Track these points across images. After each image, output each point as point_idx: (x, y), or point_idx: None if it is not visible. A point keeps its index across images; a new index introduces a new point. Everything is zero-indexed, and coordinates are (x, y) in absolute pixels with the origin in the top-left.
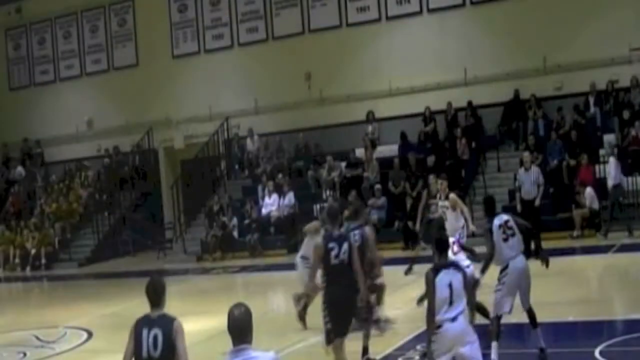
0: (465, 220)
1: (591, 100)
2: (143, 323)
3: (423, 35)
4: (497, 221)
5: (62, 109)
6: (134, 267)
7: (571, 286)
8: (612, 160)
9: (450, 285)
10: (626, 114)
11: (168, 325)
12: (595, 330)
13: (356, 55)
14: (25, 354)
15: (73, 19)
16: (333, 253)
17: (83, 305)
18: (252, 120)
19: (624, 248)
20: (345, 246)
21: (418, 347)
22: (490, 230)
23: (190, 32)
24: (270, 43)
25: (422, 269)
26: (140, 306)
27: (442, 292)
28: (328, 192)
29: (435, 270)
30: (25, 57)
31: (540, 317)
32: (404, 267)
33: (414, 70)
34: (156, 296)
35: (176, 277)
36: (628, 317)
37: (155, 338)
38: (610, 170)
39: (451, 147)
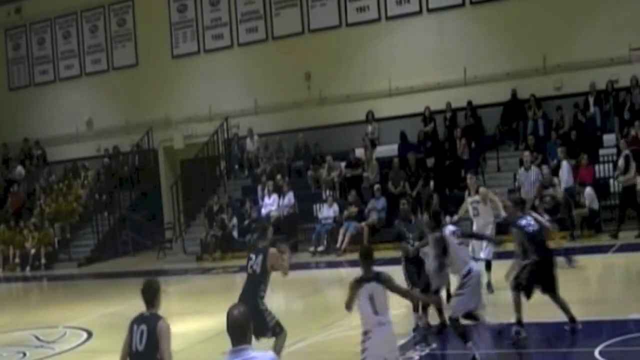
0: (499, 210)
1: (591, 100)
2: (136, 319)
3: (423, 35)
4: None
5: (62, 109)
6: (133, 267)
7: (571, 286)
8: (564, 163)
9: (371, 298)
10: (626, 115)
11: (153, 323)
12: (595, 330)
13: (356, 55)
14: (25, 354)
15: (73, 19)
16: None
17: (83, 305)
18: (251, 120)
19: (624, 248)
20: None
21: (418, 346)
22: (443, 240)
23: (189, 32)
24: (270, 43)
25: None
26: (139, 306)
27: (364, 304)
28: (328, 192)
29: (359, 282)
30: (25, 57)
31: (541, 317)
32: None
33: (414, 70)
34: (149, 296)
35: (176, 277)
36: (628, 317)
37: (141, 333)
38: (563, 174)
39: (451, 147)
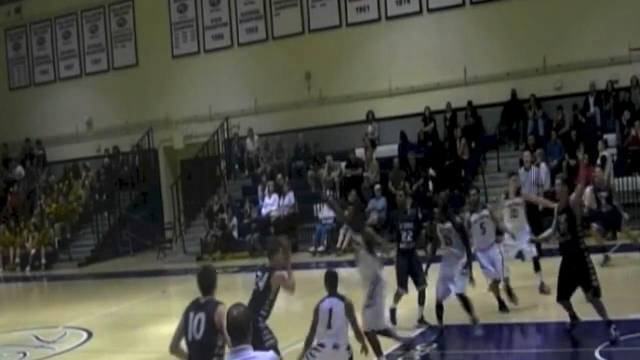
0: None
1: (591, 100)
2: (192, 307)
3: (423, 35)
4: None
5: (62, 109)
6: (133, 267)
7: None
8: (542, 165)
9: (330, 311)
10: (627, 114)
11: (212, 309)
12: (595, 330)
13: (356, 55)
14: (25, 354)
15: (73, 19)
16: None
17: (83, 305)
18: (252, 120)
19: (624, 248)
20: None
21: (418, 347)
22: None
23: (190, 32)
24: (270, 43)
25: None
26: (140, 306)
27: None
28: (328, 192)
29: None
30: (25, 57)
31: (542, 317)
32: None
33: (414, 70)
34: (207, 282)
35: (176, 277)
36: (628, 317)
37: (199, 321)
38: (541, 177)
39: (451, 147)
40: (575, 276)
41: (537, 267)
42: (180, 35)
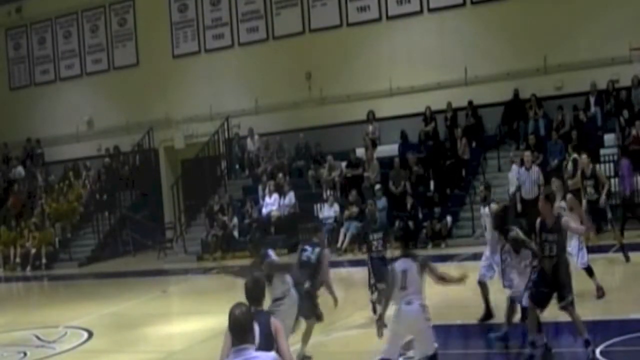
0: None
1: (592, 99)
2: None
3: (423, 34)
4: None
5: (63, 109)
6: (134, 267)
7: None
8: (514, 167)
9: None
10: (625, 114)
11: (266, 321)
12: (595, 330)
13: (356, 55)
14: (25, 354)
15: (73, 18)
16: None
17: (83, 305)
18: (252, 119)
19: (625, 247)
20: None
21: None
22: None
23: (190, 31)
24: (270, 43)
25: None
26: (140, 306)
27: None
28: (328, 192)
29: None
30: (25, 56)
31: (542, 317)
32: None
33: (415, 69)
34: (256, 294)
35: (176, 277)
36: (629, 316)
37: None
38: (512, 177)
39: (452, 146)
40: (555, 287)
41: (590, 273)
42: (180, 35)
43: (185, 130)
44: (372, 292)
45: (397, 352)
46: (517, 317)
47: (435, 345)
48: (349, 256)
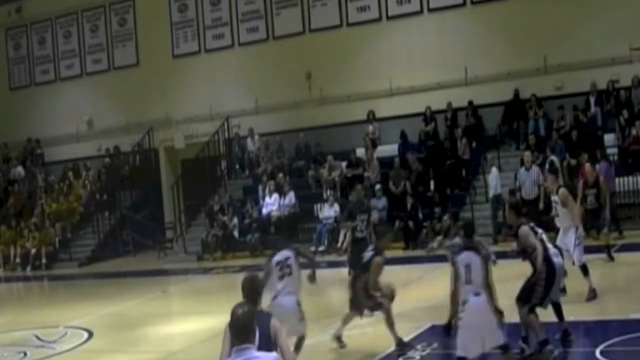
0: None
1: (592, 99)
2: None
3: (423, 34)
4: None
5: (63, 109)
6: (134, 267)
7: (571, 286)
8: (494, 170)
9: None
10: (625, 114)
11: (265, 322)
12: (596, 330)
13: (356, 54)
14: (25, 354)
15: (73, 18)
16: None
17: (83, 305)
18: (252, 120)
19: (625, 247)
20: None
21: (418, 346)
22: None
23: (190, 31)
24: (270, 43)
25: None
26: (140, 306)
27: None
28: (329, 192)
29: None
30: (25, 56)
31: (543, 317)
32: (405, 267)
33: (415, 69)
34: (253, 293)
35: (176, 277)
36: (629, 316)
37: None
38: (492, 180)
39: (452, 146)
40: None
41: (585, 272)
42: (180, 35)
43: (185, 130)
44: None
45: (476, 349)
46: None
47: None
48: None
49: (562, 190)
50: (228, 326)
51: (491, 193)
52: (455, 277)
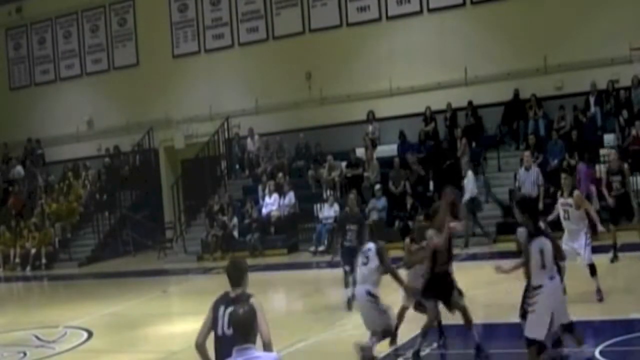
0: (592, 220)
1: (592, 100)
2: (221, 301)
3: (423, 34)
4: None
5: (63, 109)
6: (134, 267)
7: (571, 286)
8: (469, 173)
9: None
10: (625, 114)
11: (245, 302)
12: (595, 330)
13: (356, 55)
14: (25, 354)
15: (73, 18)
16: None
17: (83, 305)
18: (252, 120)
19: (625, 248)
20: None
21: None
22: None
23: (190, 31)
24: (270, 43)
25: None
26: (140, 306)
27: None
28: (329, 192)
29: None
30: (25, 56)
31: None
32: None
33: (414, 70)
34: (237, 275)
35: (176, 277)
36: (628, 316)
37: (230, 315)
38: (468, 183)
39: (451, 146)
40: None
41: (592, 272)
42: (181, 35)
43: (185, 130)
44: (346, 286)
45: (545, 330)
46: None
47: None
48: None
49: (577, 192)
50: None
51: (467, 196)
52: (526, 261)
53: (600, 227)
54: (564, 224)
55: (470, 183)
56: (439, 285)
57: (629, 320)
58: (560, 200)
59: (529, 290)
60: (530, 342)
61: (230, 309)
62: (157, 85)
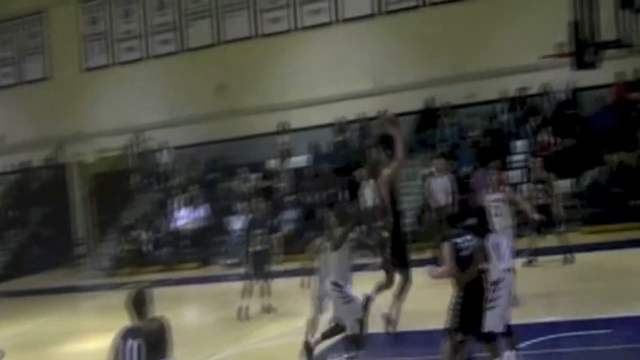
0: (523, 211)
1: (503, 107)
2: (125, 333)
3: (336, 45)
4: None
5: None
6: (45, 284)
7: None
8: (369, 183)
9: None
10: (534, 121)
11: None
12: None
13: (269, 65)
14: None
15: None
16: None
17: None
18: (165, 132)
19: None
20: None
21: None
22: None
23: (102, 44)
24: (183, 54)
25: None
26: (51, 324)
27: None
28: (241, 204)
29: None
30: None
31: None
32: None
33: (327, 80)
34: (139, 306)
35: (88, 293)
36: (542, 320)
37: (139, 347)
38: (365, 192)
39: (363, 156)
40: None
41: None
42: (92, 48)
43: (97, 144)
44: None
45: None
46: None
47: None
48: None
49: (509, 188)
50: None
51: (367, 205)
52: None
53: (536, 216)
54: (495, 221)
55: (369, 192)
56: None
57: (539, 323)
58: (490, 197)
59: (488, 286)
60: (491, 338)
61: (138, 340)
62: (69, 99)
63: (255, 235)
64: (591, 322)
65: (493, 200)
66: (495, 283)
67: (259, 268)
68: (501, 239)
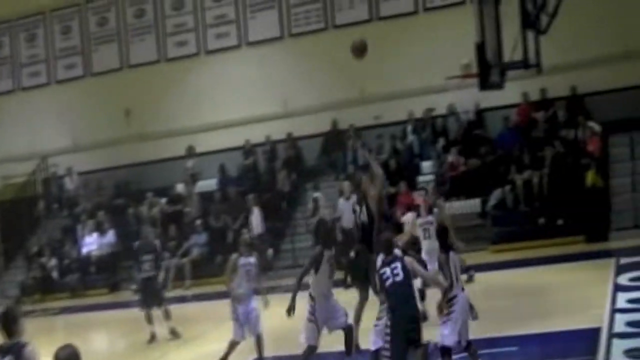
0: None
1: (409, 128)
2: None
3: (243, 68)
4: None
5: None
6: None
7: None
8: (255, 210)
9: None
10: (441, 141)
11: (18, 351)
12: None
13: (176, 89)
14: None
15: None
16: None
17: None
18: (70, 158)
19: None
20: None
21: None
22: None
23: (6, 69)
24: (88, 79)
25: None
26: None
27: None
28: (149, 229)
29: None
30: None
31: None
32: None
33: (234, 103)
34: (9, 324)
35: None
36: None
37: None
38: (253, 219)
39: (271, 179)
40: None
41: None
42: None
43: (1, 171)
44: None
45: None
46: None
47: None
48: (172, 293)
49: (439, 207)
50: None
51: (255, 232)
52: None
53: (459, 244)
54: (424, 244)
55: (255, 218)
56: None
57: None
58: (419, 221)
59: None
60: (445, 351)
61: (7, 359)
62: None
63: (144, 261)
64: (497, 340)
65: (422, 224)
66: (451, 299)
67: (149, 294)
68: (455, 258)
